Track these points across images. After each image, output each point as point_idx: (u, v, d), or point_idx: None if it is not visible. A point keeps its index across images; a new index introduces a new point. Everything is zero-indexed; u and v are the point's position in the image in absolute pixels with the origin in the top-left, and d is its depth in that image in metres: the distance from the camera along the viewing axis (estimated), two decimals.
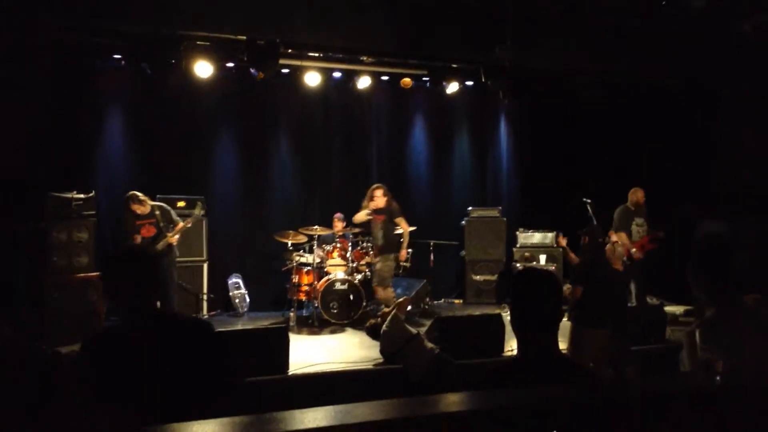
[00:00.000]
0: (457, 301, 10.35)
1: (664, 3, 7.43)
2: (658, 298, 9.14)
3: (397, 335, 6.29)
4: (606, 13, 7.97)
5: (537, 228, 10.03)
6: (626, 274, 6.47)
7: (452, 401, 1.70)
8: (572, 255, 7.24)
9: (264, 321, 8.49)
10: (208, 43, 7.78)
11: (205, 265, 8.81)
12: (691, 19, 7.78)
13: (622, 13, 7.96)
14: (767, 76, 8.30)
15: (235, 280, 9.23)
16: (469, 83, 9.60)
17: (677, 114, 9.45)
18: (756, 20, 7.82)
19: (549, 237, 9.89)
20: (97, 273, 7.62)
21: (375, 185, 8.41)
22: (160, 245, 7.62)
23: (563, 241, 7.62)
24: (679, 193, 9.26)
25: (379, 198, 8.19)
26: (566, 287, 5.96)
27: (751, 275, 2.87)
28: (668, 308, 8.24)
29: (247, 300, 9.17)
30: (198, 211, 8.08)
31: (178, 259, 8.07)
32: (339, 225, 9.09)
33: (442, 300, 10.13)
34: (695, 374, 2.55)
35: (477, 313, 8.17)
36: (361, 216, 8.36)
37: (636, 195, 8.64)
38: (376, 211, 8.21)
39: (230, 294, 9.13)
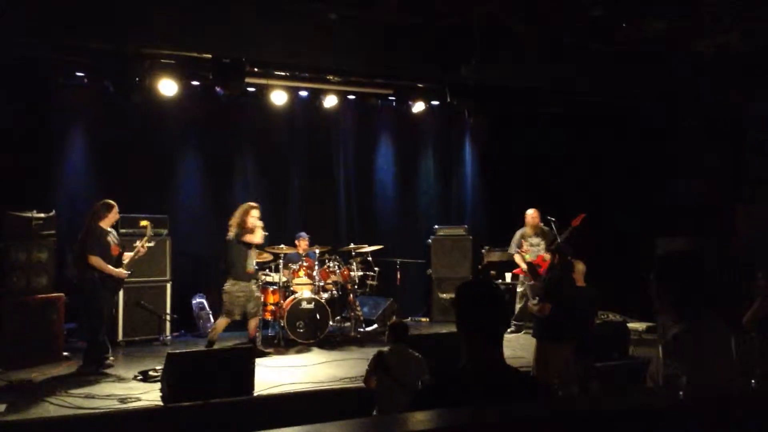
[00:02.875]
0: (423, 319, 10.36)
1: (624, 25, 7.61)
2: (620, 314, 9.28)
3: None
4: (569, 34, 8.14)
5: (502, 246, 10.12)
6: (589, 291, 6.56)
7: (420, 420, 1.70)
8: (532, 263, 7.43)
9: (229, 341, 8.36)
10: (172, 61, 7.74)
11: (169, 285, 8.66)
12: (650, 40, 7.98)
13: (584, 34, 8.13)
14: (725, 95, 8.55)
15: (199, 300, 9.11)
16: (435, 102, 9.70)
17: (638, 132, 9.67)
18: (714, 41, 8.05)
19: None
20: (59, 294, 7.43)
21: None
22: (128, 265, 7.13)
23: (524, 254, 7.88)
24: (639, 210, 9.46)
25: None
26: (533, 303, 6.02)
27: (713, 291, 2.93)
28: (631, 325, 8.36)
29: (212, 320, 9.03)
30: (149, 235, 7.46)
31: (141, 279, 7.92)
32: (303, 244, 9.05)
33: (409, 318, 10.13)
34: (659, 389, 2.58)
35: (444, 331, 8.19)
36: None
37: (529, 216, 9.09)
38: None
39: (194, 314, 8.99)
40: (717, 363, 2.73)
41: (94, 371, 6.66)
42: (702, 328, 2.77)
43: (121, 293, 7.75)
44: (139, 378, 6.47)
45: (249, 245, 7.69)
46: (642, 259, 8.49)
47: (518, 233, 9.16)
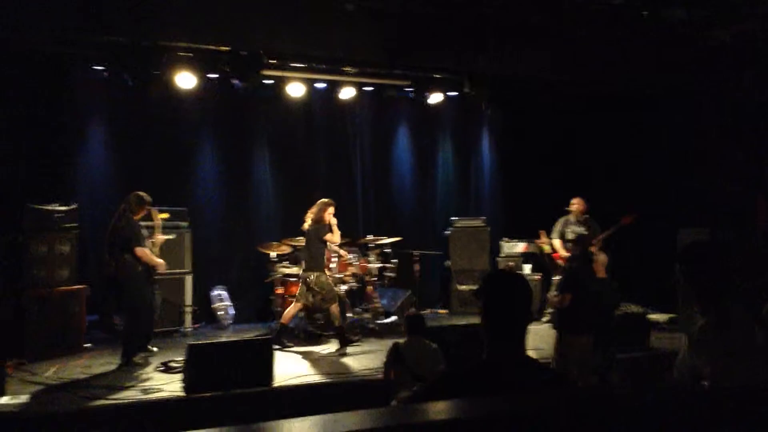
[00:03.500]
0: (442, 311, 10.34)
1: (645, 13, 7.50)
2: (641, 306, 9.19)
3: None
4: (588, 23, 8.04)
5: (521, 237, 10.07)
6: (610, 282, 6.51)
7: (440, 409, 1.69)
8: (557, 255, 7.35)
9: (248, 333, 8.42)
10: (190, 54, 7.77)
11: (189, 278, 8.72)
12: (672, 29, 7.86)
13: (605, 23, 8.03)
14: (747, 85, 8.41)
15: (218, 292, 9.16)
16: (452, 93, 9.65)
17: (659, 122, 9.54)
18: (735, 30, 7.92)
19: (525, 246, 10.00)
20: (81, 286, 7.52)
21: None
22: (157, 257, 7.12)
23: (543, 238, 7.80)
24: (661, 202, 9.35)
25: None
26: (553, 294, 5.99)
27: (737, 283, 2.89)
28: (651, 316, 8.28)
29: (231, 312, 9.09)
30: (157, 219, 7.39)
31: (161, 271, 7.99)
32: None
33: (428, 310, 10.11)
34: (682, 380, 2.56)
35: (462, 322, 8.16)
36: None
37: (574, 205, 8.83)
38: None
39: (213, 306, 9.05)
40: (741, 354, 2.69)
41: (132, 364, 6.69)
42: (727, 320, 2.74)
43: None
44: (160, 369, 6.53)
45: (325, 242, 7.76)
46: (663, 250, 8.47)
47: (561, 220, 8.93)
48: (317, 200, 10.13)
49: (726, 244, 2.79)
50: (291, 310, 7.72)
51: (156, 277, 7.08)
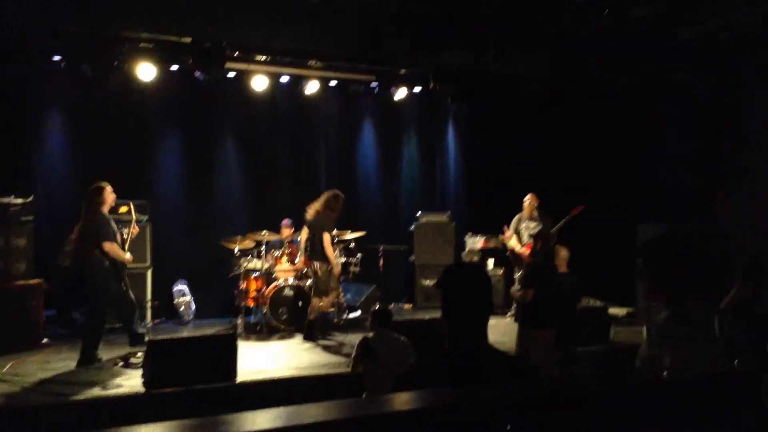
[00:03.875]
0: (407, 305, 10.37)
1: (606, 11, 7.61)
2: (601, 300, 9.35)
3: None
4: (550, 20, 8.12)
5: (485, 232, 10.14)
6: (572, 277, 6.60)
7: (404, 400, 1.69)
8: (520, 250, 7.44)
9: (210, 328, 8.33)
10: (151, 45, 7.63)
11: (149, 272, 8.58)
12: (632, 27, 7.99)
13: (566, 21, 8.12)
14: (706, 83, 8.60)
15: (180, 287, 9.04)
16: (417, 89, 9.67)
17: (619, 119, 9.71)
18: (696, 29, 8.09)
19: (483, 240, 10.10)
20: (38, 280, 7.36)
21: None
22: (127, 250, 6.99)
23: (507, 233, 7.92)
24: (620, 197, 9.52)
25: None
26: (516, 289, 6.05)
27: (698, 275, 2.95)
28: (611, 310, 8.43)
29: (193, 307, 8.98)
30: (135, 216, 7.42)
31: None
32: (287, 231, 9.00)
33: (392, 304, 10.13)
34: (643, 369, 2.61)
35: (427, 317, 8.19)
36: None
37: (526, 201, 9.02)
38: None
39: (175, 301, 8.92)
40: (700, 345, 2.76)
41: (91, 359, 6.57)
42: (687, 312, 2.80)
43: None
44: (120, 364, 6.42)
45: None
46: (622, 245, 8.63)
47: (516, 218, 9.13)
48: (280, 194, 10.10)
49: (686, 238, 2.85)
50: (320, 303, 7.83)
51: (124, 272, 6.95)
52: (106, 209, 6.80)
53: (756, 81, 8.19)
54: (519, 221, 9.04)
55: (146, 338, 6.77)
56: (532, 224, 8.88)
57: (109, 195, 6.84)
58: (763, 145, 8.10)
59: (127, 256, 6.88)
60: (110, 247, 6.62)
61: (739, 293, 5.88)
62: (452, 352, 2.24)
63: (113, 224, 6.82)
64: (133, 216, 7.39)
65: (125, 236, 7.06)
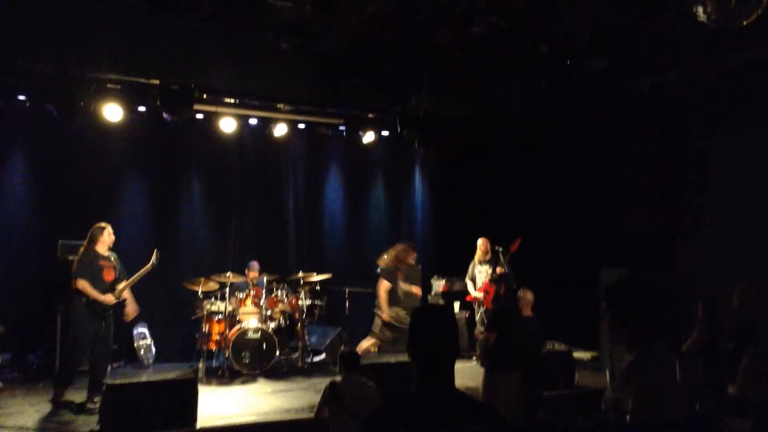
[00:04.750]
0: (372, 349, 10.27)
1: (568, 62, 7.85)
2: (565, 344, 9.40)
3: None
4: (515, 69, 8.35)
5: (451, 276, 10.17)
6: (536, 320, 6.64)
7: None
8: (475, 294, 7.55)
9: (171, 372, 8.14)
10: (118, 86, 7.60)
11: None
12: (593, 77, 8.25)
13: (530, 70, 8.36)
14: (665, 130, 8.87)
15: (140, 329, 8.84)
16: (385, 133, 9.78)
17: (583, 166, 9.92)
18: (653, 79, 8.38)
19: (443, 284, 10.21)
20: None
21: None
22: (119, 292, 6.88)
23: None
24: (581, 241, 9.67)
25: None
26: (479, 332, 6.06)
27: (660, 319, 3.01)
28: (576, 354, 8.48)
29: (153, 351, 8.79)
30: (152, 263, 7.25)
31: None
32: (253, 273, 8.91)
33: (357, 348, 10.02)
34: (607, 413, 2.63)
35: (393, 360, 8.12)
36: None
37: (480, 245, 9.18)
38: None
39: (135, 344, 8.72)
40: (663, 388, 2.79)
41: (56, 401, 6.46)
42: (651, 355, 2.84)
43: None
44: (75, 410, 6.23)
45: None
46: (585, 289, 8.73)
47: (472, 262, 9.25)
48: (246, 237, 10.05)
49: (649, 283, 2.92)
50: (364, 343, 8.02)
51: (108, 314, 6.79)
52: (100, 248, 6.78)
53: (713, 130, 8.47)
54: (473, 266, 9.18)
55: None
56: (485, 267, 9.01)
57: (108, 236, 6.87)
58: (720, 192, 8.33)
59: (106, 296, 6.71)
60: (82, 285, 6.54)
61: (699, 337, 5.99)
62: (419, 395, 2.23)
63: (103, 262, 6.76)
64: (152, 261, 7.20)
65: (118, 276, 6.93)
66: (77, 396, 6.65)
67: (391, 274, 8.24)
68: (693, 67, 7.89)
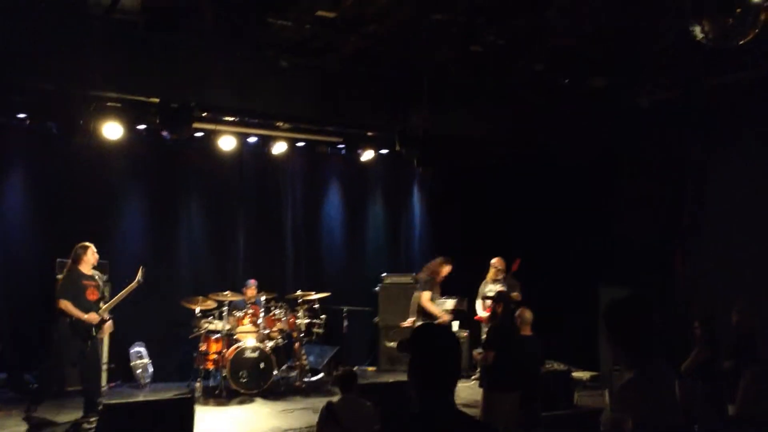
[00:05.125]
0: (370, 368, 10.23)
1: (566, 81, 7.90)
2: (564, 363, 9.35)
3: None
4: (515, 86, 8.39)
5: (450, 294, 10.13)
6: (535, 340, 6.60)
7: None
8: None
9: (167, 392, 8.07)
10: (118, 105, 7.62)
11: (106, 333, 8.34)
12: (592, 94, 8.28)
13: (529, 87, 8.40)
14: (664, 145, 8.90)
15: (137, 349, 8.78)
16: (384, 151, 9.80)
17: (582, 182, 9.92)
18: (652, 96, 8.42)
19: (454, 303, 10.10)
20: None
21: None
22: (104, 311, 6.92)
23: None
24: (583, 260, 9.64)
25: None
26: (477, 352, 6.02)
27: (660, 337, 2.99)
28: (575, 374, 8.43)
29: (150, 370, 8.72)
30: (137, 281, 7.29)
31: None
32: (251, 291, 8.87)
33: (356, 367, 9.96)
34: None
35: (391, 380, 8.09)
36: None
37: (492, 265, 9.07)
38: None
39: (132, 364, 8.66)
40: (662, 407, 2.76)
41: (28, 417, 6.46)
42: (650, 374, 2.81)
43: None
44: (71, 430, 6.17)
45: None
46: (584, 307, 8.69)
47: (484, 281, 9.17)
48: (244, 255, 10.05)
49: (648, 301, 2.91)
50: None
51: (93, 333, 6.79)
52: (84, 268, 6.82)
53: (712, 145, 8.49)
54: (484, 285, 9.09)
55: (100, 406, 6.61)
56: (497, 287, 8.91)
57: (92, 255, 6.91)
58: (719, 207, 8.33)
59: (90, 316, 6.71)
60: (65, 305, 6.56)
61: (699, 355, 5.96)
62: (421, 416, 2.21)
63: (86, 282, 6.80)
64: (138, 278, 7.25)
65: (103, 295, 7.00)
66: (71, 415, 6.61)
67: (428, 284, 8.05)
68: (692, 85, 7.94)
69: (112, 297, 7.15)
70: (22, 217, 8.65)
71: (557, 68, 7.76)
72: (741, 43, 4.11)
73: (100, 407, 5.97)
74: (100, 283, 7.01)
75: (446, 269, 8.17)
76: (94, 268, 7.05)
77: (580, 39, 6.93)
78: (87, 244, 6.91)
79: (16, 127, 8.24)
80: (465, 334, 9.73)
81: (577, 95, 8.41)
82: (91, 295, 6.80)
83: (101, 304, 6.90)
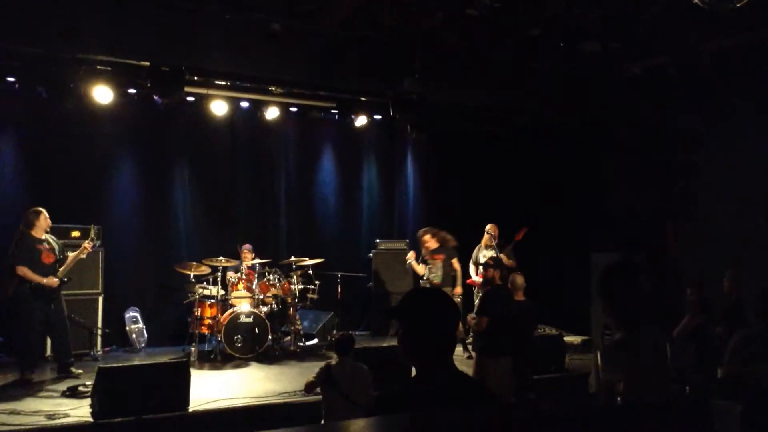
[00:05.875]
0: (364, 333, 10.30)
1: (561, 45, 7.82)
2: (556, 327, 9.46)
3: None
4: (507, 52, 8.31)
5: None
6: (528, 304, 6.66)
7: (363, 426, 1.67)
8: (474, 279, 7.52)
9: (163, 356, 8.12)
10: (109, 68, 7.52)
11: (100, 299, 8.36)
12: (585, 60, 8.22)
13: (523, 53, 8.32)
14: (657, 114, 8.87)
15: (132, 314, 8.82)
16: (378, 116, 9.73)
17: (574, 148, 9.92)
18: (646, 63, 8.37)
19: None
20: None
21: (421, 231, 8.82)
22: (62, 272, 6.94)
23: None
24: (573, 225, 9.68)
25: (431, 241, 8.60)
26: (471, 317, 6.07)
27: (650, 301, 3.02)
28: (567, 338, 8.52)
29: (145, 335, 8.77)
30: (91, 240, 7.18)
31: (72, 291, 7.64)
32: (248, 256, 8.88)
33: (350, 332, 10.03)
34: (598, 395, 2.64)
35: (384, 344, 8.15)
36: (419, 269, 8.75)
37: (486, 231, 9.02)
38: (434, 251, 8.61)
39: (127, 328, 8.70)
40: (653, 370, 2.80)
41: (24, 383, 6.52)
42: (640, 337, 2.85)
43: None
44: (67, 393, 6.22)
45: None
46: (577, 273, 8.76)
47: (478, 246, 9.16)
48: (237, 220, 10.05)
49: (637, 266, 2.93)
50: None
51: (55, 295, 6.86)
52: (37, 233, 6.81)
53: (705, 114, 8.47)
54: (478, 250, 9.10)
55: (76, 371, 6.90)
56: (490, 253, 8.93)
57: (44, 220, 6.89)
58: (712, 176, 8.35)
59: (49, 279, 6.74)
60: (23, 271, 6.57)
61: (690, 321, 6.03)
62: (420, 379, 2.20)
63: (41, 246, 6.80)
64: (90, 237, 7.19)
65: (60, 257, 6.99)
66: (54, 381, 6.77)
67: (448, 250, 8.59)
68: (686, 51, 7.88)
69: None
70: (13, 183, 8.58)
71: (552, 33, 7.67)
72: (738, 6, 4.07)
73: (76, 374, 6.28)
74: (55, 246, 7.00)
75: (438, 237, 8.51)
76: (47, 232, 7.02)
77: (576, 1, 6.86)
78: (39, 209, 6.89)
79: (4, 91, 8.11)
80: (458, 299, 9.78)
81: (571, 62, 8.35)
82: (47, 259, 6.83)
83: (57, 267, 6.92)
